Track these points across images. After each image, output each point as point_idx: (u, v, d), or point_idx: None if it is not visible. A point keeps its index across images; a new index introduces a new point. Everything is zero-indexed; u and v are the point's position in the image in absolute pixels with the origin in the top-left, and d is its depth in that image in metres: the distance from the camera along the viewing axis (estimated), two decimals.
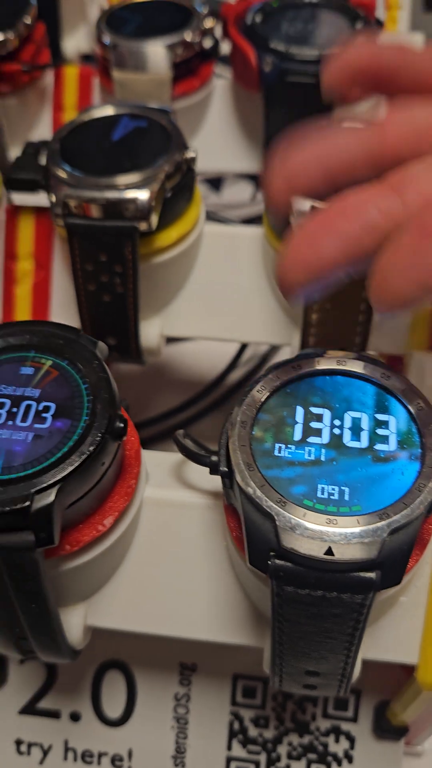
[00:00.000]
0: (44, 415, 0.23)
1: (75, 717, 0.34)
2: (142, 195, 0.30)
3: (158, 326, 0.35)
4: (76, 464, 0.22)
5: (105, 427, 0.22)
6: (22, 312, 0.36)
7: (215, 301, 0.35)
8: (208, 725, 0.34)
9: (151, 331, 0.35)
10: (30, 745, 0.35)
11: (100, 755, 0.34)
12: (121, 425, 0.23)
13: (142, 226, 0.30)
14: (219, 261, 0.35)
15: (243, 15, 0.41)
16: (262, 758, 0.33)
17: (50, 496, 0.21)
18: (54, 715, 0.35)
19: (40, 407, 0.23)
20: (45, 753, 0.35)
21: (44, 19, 0.48)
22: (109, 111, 0.34)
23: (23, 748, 0.35)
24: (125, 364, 0.36)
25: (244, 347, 0.49)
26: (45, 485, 0.21)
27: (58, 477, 0.21)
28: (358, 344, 0.33)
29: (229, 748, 0.34)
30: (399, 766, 0.32)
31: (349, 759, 0.33)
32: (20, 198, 0.36)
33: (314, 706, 0.33)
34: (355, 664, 0.24)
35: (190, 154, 0.32)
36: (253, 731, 0.33)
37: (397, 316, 0.24)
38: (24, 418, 0.23)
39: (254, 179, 0.54)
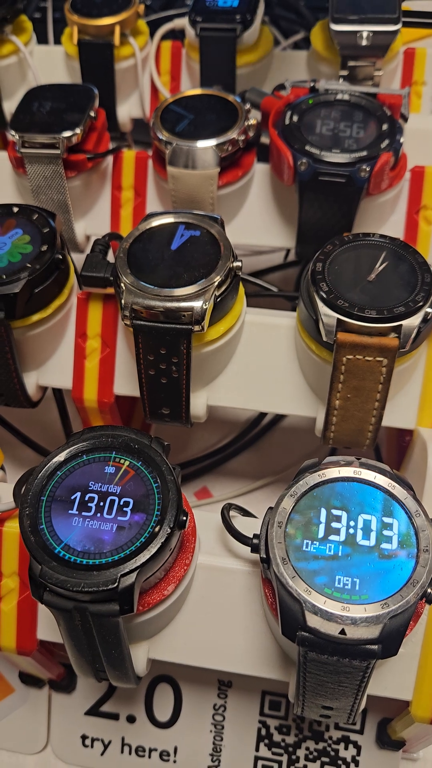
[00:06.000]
0: (125, 509, 0.30)
1: (131, 719, 0.42)
2: (197, 304, 0.36)
3: (204, 398, 0.42)
4: (152, 552, 0.28)
5: (173, 521, 0.29)
6: (91, 383, 0.42)
7: (253, 378, 0.41)
8: (240, 730, 0.41)
9: (198, 402, 0.41)
10: (93, 740, 0.42)
11: (151, 750, 0.42)
12: (184, 518, 0.30)
13: (196, 328, 0.36)
14: (257, 344, 0.41)
15: (282, 113, 0.46)
16: (284, 759, 0.41)
17: (132, 578, 0.28)
18: (114, 716, 0.42)
19: (122, 502, 0.30)
20: (105, 747, 0.42)
21: (101, 90, 0.54)
22: (167, 219, 0.40)
23: (87, 742, 0.42)
24: (173, 426, 0.43)
25: None
26: (128, 570, 0.28)
27: (139, 563, 0.28)
28: (374, 423, 0.39)
29: (257, 749, 0.41)
30: None
31: (356, 763, 0.40)
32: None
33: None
34: (362, 702, 0.31)
35: (236, 263, 0.38)
36: (277, 737, 0.41)
37: None
38: (109, 512, 0.30)
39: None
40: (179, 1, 0.72)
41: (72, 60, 0.57)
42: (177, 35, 0.59)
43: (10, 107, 0.60)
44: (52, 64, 0.59)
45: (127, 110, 0.59)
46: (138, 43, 0.57)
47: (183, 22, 0.57)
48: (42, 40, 0.70)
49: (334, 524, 0.29)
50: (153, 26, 0.62)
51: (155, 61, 0.58)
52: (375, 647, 0.27)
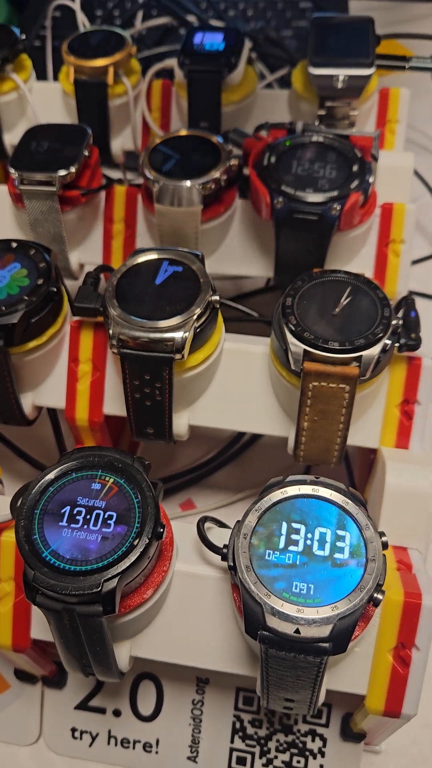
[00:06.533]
0: (109, 521, 0.33)
1: (117, 713, 0.46)
2: (178, 335, 0.40)
3: (186, 418, 0.45)
4: (132, 560, 0.32)
5: (151, 533, 0.33)
6: (82, 404, 0.46)
7: (231, 400, 0.45)
8: (216, 724, 0.45)
9: (181, 422, 0.45)
10: (82, 732, 0.46)
11: (135, 742, 0.45)
12: (161, 530, 0.33)
13: (177, 356, 0.40)
14: (234, 370, 0.45)
15: (261, 154, 0.50)
16: (257, 750, 0.44)
17: (114, 583, 0.31)
18: (101, 711, 0.46)
19: (106, 515, 0.34)
20: (93, 739, 0.46)
21: (95, 125, 0.58)
22: (152, 256, 0.44)
23: (77, 734, 0.46)
24: (158, 443, 0.46)
25: None
26: (110, 576, 0.32)
27: (120, 570, 0.32)
28: (339, 443, 0.43)
29: (232, 741, 0.44)
30: (358, 761, 0.43)
31: (322, 754, 0.43)
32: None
33: (296, 714, 0.44)
34: (319, 695, 0.34)
35: (214, 297, 0.42)
36: (250, 730, 0.44)
37: None
38: (95, 524, 0.33)
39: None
40: (171, 38, 0.76)
41: (69, 97, 0.61)
42: (167, 73, 0.63)
43: (10, 139, 0.63)
44: (50, 100, 0.63)
45: (120, 143, 0.63)
46: (130, 82, 0.61)
47: (172, 63, 0.60)
48: (40, 67, 0.74)
49: (293, 536, 0.33)
50: (145, 62, 0.66)
51: (146, 98, 0.62)
52: (326, 645, 0.30)
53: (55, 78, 0.80)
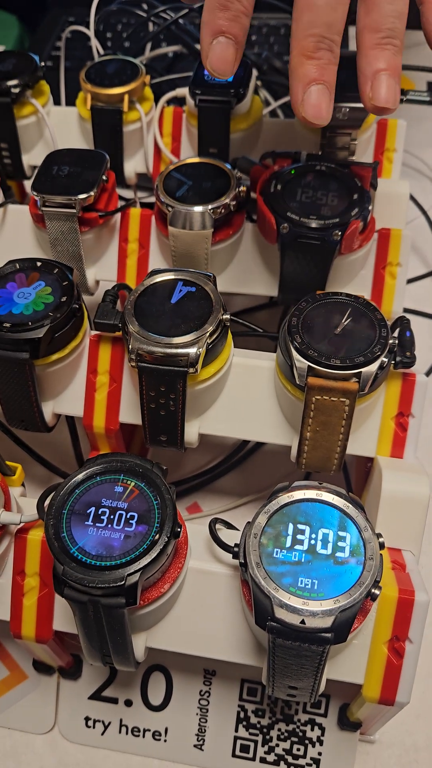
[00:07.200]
0: (131, 521, 0.37)
1: (128, 703, 0.49)
2: (192, 351, 0.43)
3: (197, 427, 0.49)
4: (153, 557, 0.35)
5: (170, 532, 0.36)
6: (100, 413, 0.49)
7: (238, 411, 0.49)
8: (222, 713, 0.48)
9: (192, 431, 0.48)
10: (95, 721, 0.49)
11: (145, 731, 0.48)
12: (178, 530, 0.37)
13: (191, 370, 0.43)
14: (242, 383, 0.48)
15: (268, 181, 0.54)
16: (259, 739, 0.47)
17: (136, 577, 0.35)
18: (113, 701, 0.49)
19: (128, 516, 0.37)
20: (105, 727, 0.49)
21: (110, 149, 0.62)
22: (167, 276, 0.47)
23: (90, 723, 0.49)
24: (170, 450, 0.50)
25: None
26: (133, 571, 0.35)
27: (141, 565, 0.35)
28: (339, 452, 0.46)
29: (237, 730, 0.47)
30: (354, 749, 0.46)
31: (320, 742, 0.47)
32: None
33: (297, 704, 0.47)
34: (321, 683, 0.38)
35: (225, 316, 0.45)
36: (253, 719, 0.47)
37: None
38: (118, 523, 0.37)
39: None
40: (180, 63, 0.80)
41: (84, 121, 0.65)
42: (178, 100, 0.67)
43: (27, 160, 0.67)
44: (67, 123, 0.67)
45: (133, 166, 0.66)
46: (144, 109, 0.64)
47: (184, 91, 0.64)
48: (53, 87, 0.78)
49: (299, 536, 0.36)
50: (156, 88, 0.70)
51: (159, 124, 0.66)
52: (328, 635, 0.34)
53: (68, 98, 0.84)
